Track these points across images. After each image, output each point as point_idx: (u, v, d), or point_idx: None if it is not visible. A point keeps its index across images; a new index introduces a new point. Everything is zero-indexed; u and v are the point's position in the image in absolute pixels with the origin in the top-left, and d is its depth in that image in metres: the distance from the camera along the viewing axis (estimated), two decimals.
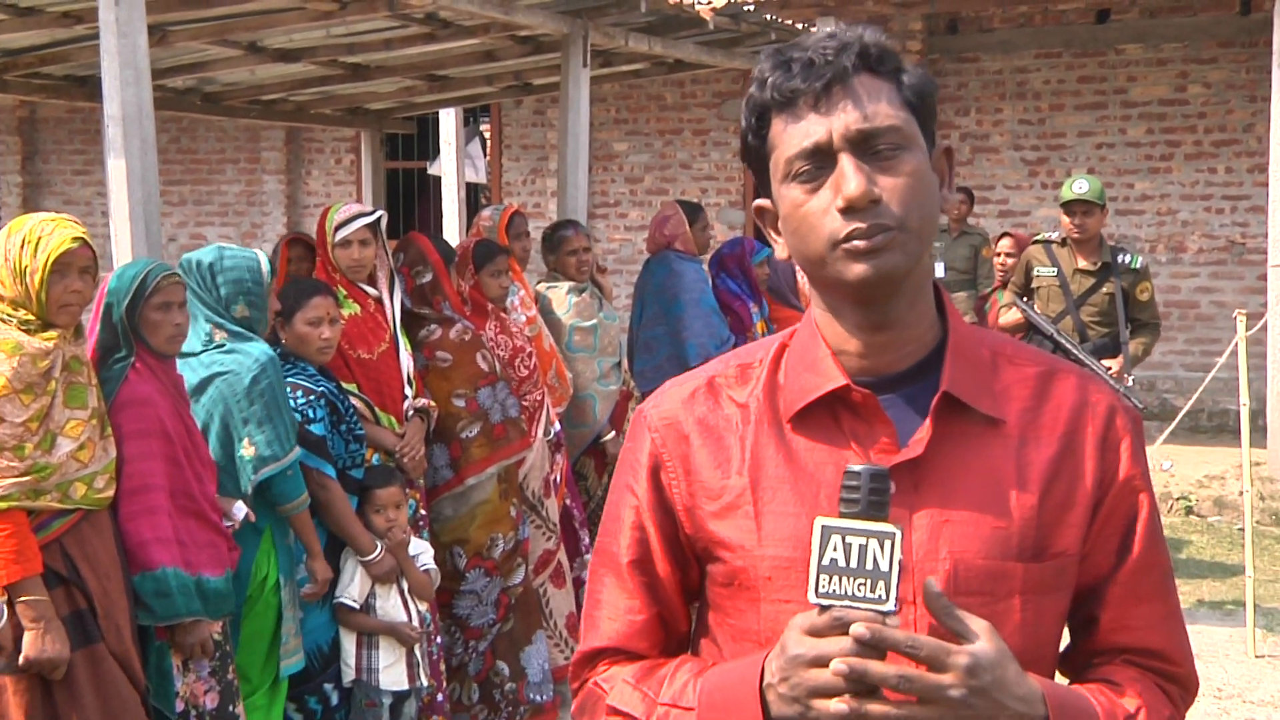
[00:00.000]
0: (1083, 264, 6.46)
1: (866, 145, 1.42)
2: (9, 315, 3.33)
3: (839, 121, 1.42)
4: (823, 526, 1.33)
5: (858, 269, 1.42)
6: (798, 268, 1.54)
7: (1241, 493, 7.33)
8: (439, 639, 4.73)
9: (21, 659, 3.24)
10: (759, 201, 1.57)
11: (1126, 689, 1.48)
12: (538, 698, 5.00)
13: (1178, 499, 8.92)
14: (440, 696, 4.69)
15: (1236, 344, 6.07)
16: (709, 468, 1.54)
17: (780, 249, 1.53)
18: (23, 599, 3.24)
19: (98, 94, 7.10)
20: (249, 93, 8.46)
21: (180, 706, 3.69)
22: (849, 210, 1.40)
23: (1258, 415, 6.21)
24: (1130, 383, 6.35)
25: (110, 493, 3.45)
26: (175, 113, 8.86)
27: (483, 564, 4.87)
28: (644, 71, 8.68)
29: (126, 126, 4.20)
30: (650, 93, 12.69)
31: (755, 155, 1.51)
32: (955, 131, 11.90)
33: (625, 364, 6.18)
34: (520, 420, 4.98)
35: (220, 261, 4.04)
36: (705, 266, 6.34)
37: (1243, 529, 7.67)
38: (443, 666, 4.76)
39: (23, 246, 3.33)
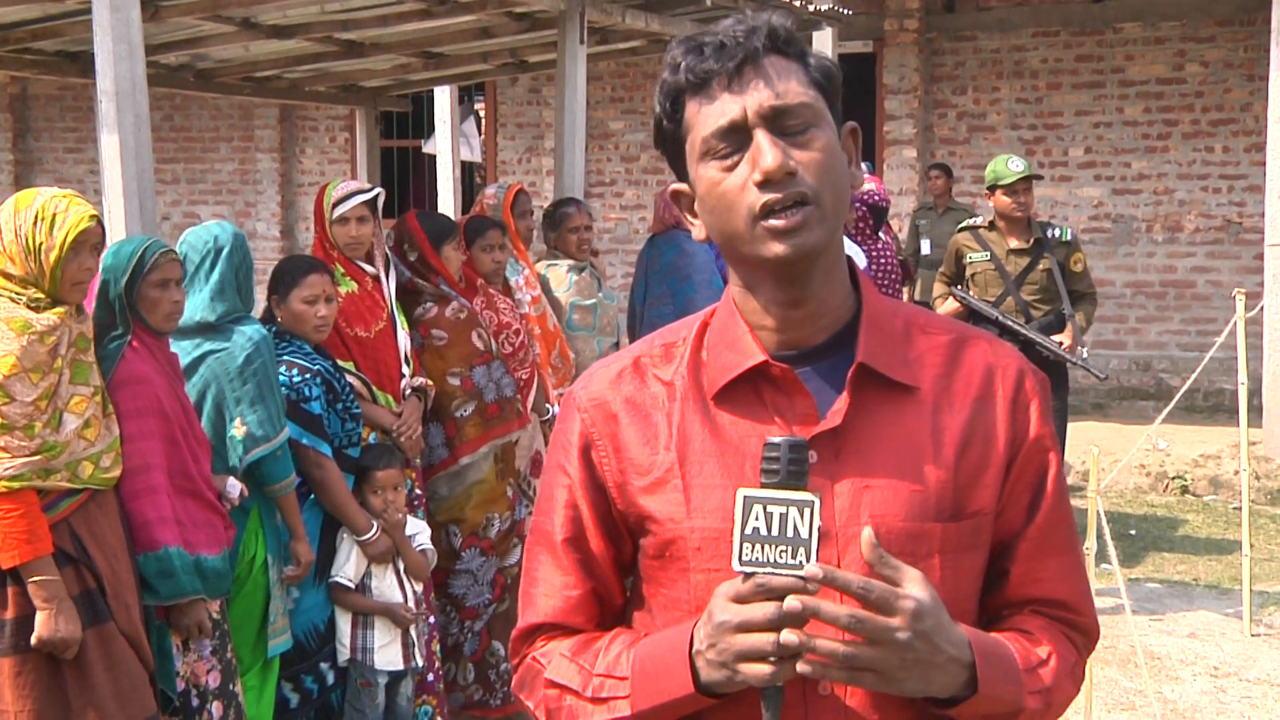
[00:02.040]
0: (1015, 244, 6.40)
1: (779, 122, 1.48)
2: (17, 294, 3.28)
3: (753, 99, 1.47)
4: (744, 497, 1.39)
5: (777, 248, 1.47)
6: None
7: (1237, 471, 7.33)
8: (432, 619, 4.71)
9: (34, 639, 3.21)
10: (675, 186, 1.61)
11: (1038, 636, 1.55)
12: None
13: (1173, 478, 8.93)
14: (431, 676, 4.68)
15: (1235, 323, 6.06)
16: (637, 444, 1.58)
17: (698, 230, 1.57)
18: (34, 579, 3.21)
19: (90, 70, 7.04)
20: (242, 70, 8.40)
21: (181, 686, 3.69)
22: (766, 183, 1.46)
23: (1253, 395, 6.20)
24: (1085, 354, 6.39)
25: (116, 472, 3.43)
26: (168, 90, 8.80)
27: (478, 544, 4.86)
28: (641, 49, 8.63)
29: (120, 102, 4.16)
30: (646, 71, 12.63)
31: (670, 139, 1.56)
32: (952, 110, 11.87)
33: (626, 343, 6.16)
34: (516, 400, 4.96)
35: (243, 237, 4.04)
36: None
37: (1238, 508, 7.68)
38: (435, 646, 4.74)
39: (36, 223, 3.28)
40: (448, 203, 9.78)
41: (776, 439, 1.40)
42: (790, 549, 1.37)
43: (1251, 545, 5.99)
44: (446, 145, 9.80)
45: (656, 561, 1.57)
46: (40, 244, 3.28)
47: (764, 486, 1.39)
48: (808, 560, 1.36)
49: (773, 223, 1.46)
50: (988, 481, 1.54)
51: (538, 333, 5.45)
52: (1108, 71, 11.44)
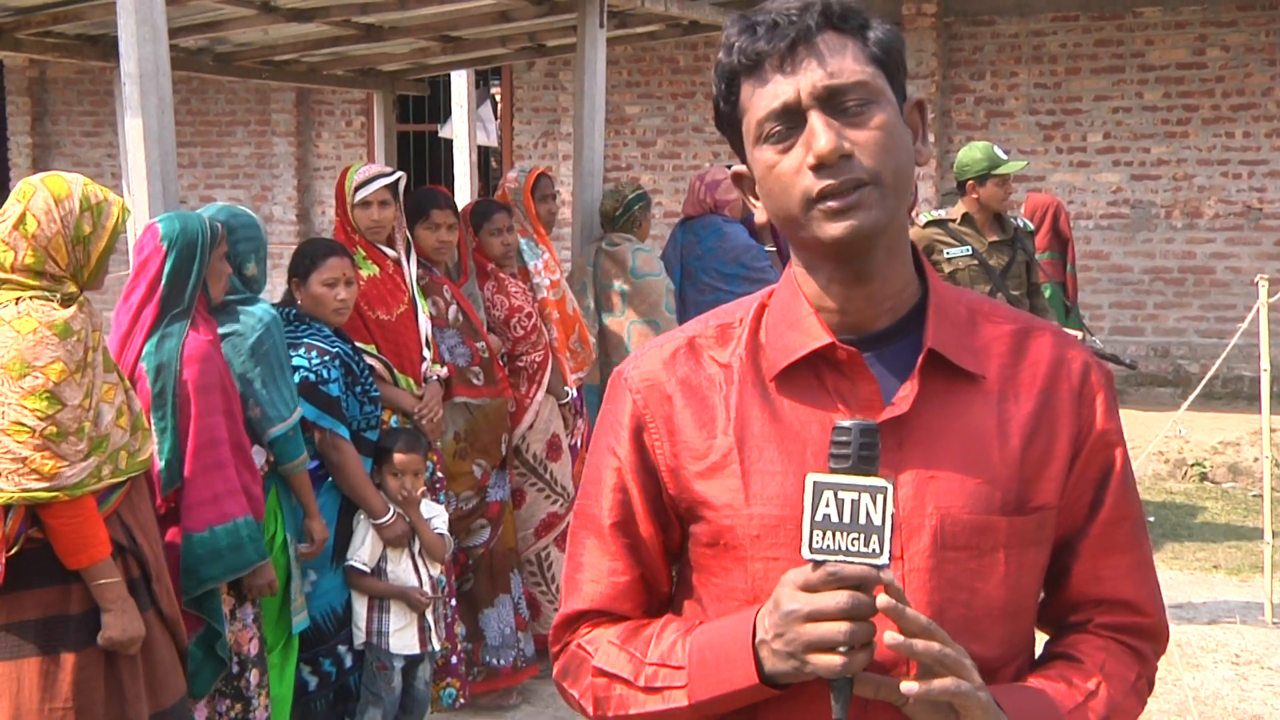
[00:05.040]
0: (994, 237, 6.02)
1: (835, 102, 1.44)
2: (50, 291, 3.17)
3: (806, 80, 1.44)
4: (814, 483, 1.35)
5: (833, 228, 1.43)
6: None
7: (1257, 459, 7.30)
8: (453, 601, 4.71)
9: (103, 639, 3.20)
10: (736, 168, 1.58)
11: (1085, 665, 1.51)
12: (494, 661, 5.00)
13: (1192, 465, 8.90)
14: (455, 659, 4.69)
15: (1258, 309, 6.03)
16: (693, 428, 1.54)
17: (759, 213, 1.55)
18: (99, 582, 3.19)
19: (110, 53, 7.05)
20: (261, 53, 8.39)
21: None
22: (820, 167, 1.42)
23: (1274, 381, 6.16)
24: (1099, 343, 6.22)
25: (147, 453, 3.40)
26: (186, 73, 8.79)
27: None
28: (659, 33, 8.59)
29: (144, 84, 4.16)
30: (663, 55, 12.60)
31: (728, 121, 1.53)
32: (970, 96, 11.82)
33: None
34: (470, 371, 4.86)
35: (232, 219, 4.02)
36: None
37: (1258, 495, 7.66)
38: (458, 629, 4.75)
39: (84, 213, 3.20)
40: (464, 187, 9.75)
41: (846, 423, 1.36)
42: (863, 537, 1.33)
43: (1274, 533, 5.97)
44: (463, 130, 9.75)
45: (710, 550, 1.53)
46: (88, 234, 3.20)
47: (833, 472, 1.35)
48: (881, 549, 1.33)
49: (828, 204, 1.43)
50: (1051, 475, 1.50)
51: (556, 317, 5.43)
52: (1127, 56, 11.37)
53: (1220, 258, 11.22)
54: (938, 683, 1.34)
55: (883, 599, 1.33)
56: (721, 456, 1.51)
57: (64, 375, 3.09)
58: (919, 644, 1.34)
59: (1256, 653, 5.54)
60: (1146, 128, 11.34)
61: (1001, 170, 5.95)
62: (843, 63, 1.45)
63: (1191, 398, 6.49)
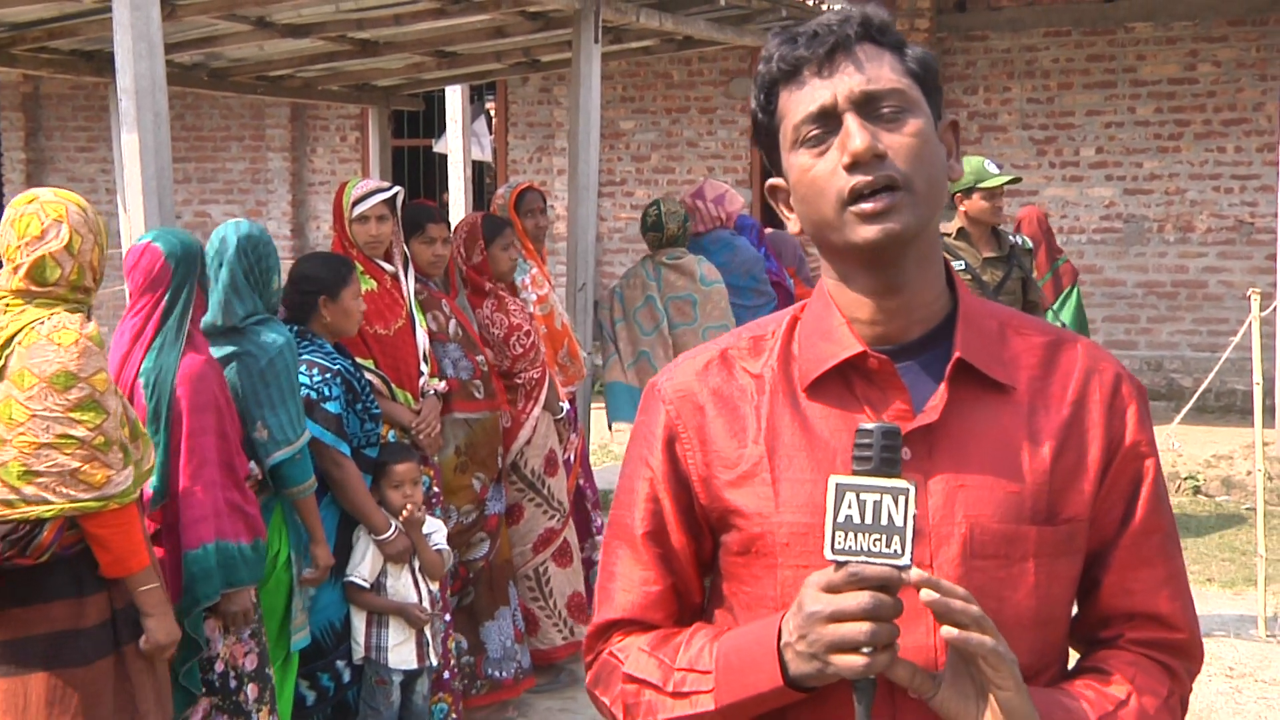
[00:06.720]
0: (989, 253, 5.96)
1: (870, 106, 1.46)
2: (81, 305, 3.20)
3: (843, 84, 1.46)
4: (837, 484, 1.36)
5: (867, 231, 1.44)
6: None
7: (1250, 472, 7.32)
8: (448, 616, 4.72)
9: (146, 644, 3.22)
10: (771, 181, 1.60)
11: (1115, 675, 1.50)
12: (496, 674, 5.00)
13: (1185, 479, 8.91)
14: (447, 674, 4.68)
15: (1250, 323, 6.05)
16: (725, 437, 1.55)
17: (793, 224, 1.56)
18: (144, 588, 3.20)
19: (105, 69, 7.07)
20: (256, 69, 8.41)
21: (220, 668, 3.72)
22: (855, 166, 1.44)
23: (1266, 395, 6.18)
24: None
25: (150, 462, 3.38)
26: (180, 89, 8.80)
27: None
28: (653, 49, 8.63)
29: (139, 100, 4.17)
30: (657, 70, 12.64)
31: (765, 132, 1.55)
32: (963, 110, 11.86)
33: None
34: (472, 385, 4.87)
35: (260, 235, 4.04)
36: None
37: (1251, 508, 7.67)
38: (451, 644, 4.75)
39: (103, 226, 3.27)
40: (459, 202, 9.78)
41: (869, 425, 1.36)
42: (884, 538, 1.33)
43: (1266, 547, 5.98)
44: (458, 144, 9.79)
45: (741, 558, 1.54)
46: (103, 245, 3.26)
47: (856, 474, 1.36)
48: (903, 549, 1.33)
49: (862, 206, 1.44)
50: (1082, 486, 1.50)
51: (544, 331, 5.44)
52: (1119, 71, 11.43)
53: (1212, 272, 11.26)
54: (977, 635, 1.34)
55: (926, 594, 1.33)
56: (752, 465, 1.52)
57: (107, 384, 3.11)
58: (956, 603, 1.34)
59: (1250, 666, 5.54)
60: (1139, 142, 11.40)
61: (986, 184, 5.90)
62: (880, 70, 1.48)
63: (1184, 411, 6.51)
